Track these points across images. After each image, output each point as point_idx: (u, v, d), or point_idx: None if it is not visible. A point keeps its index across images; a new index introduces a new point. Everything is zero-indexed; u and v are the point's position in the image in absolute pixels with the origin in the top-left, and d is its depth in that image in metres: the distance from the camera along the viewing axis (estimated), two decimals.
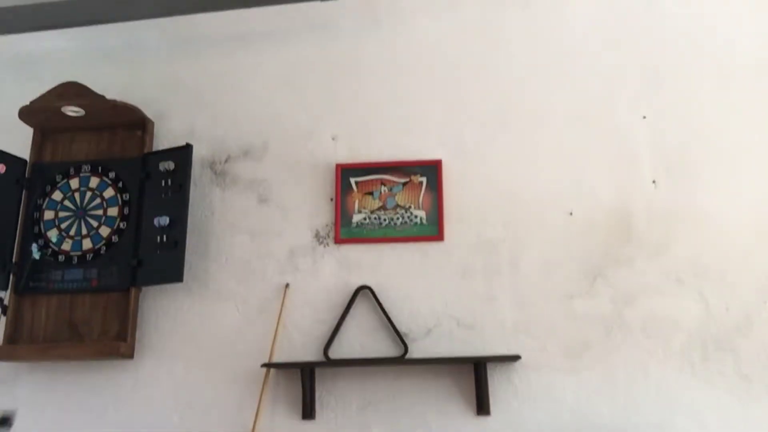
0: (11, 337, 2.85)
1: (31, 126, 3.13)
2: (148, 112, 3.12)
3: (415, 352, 2.70)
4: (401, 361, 2.68)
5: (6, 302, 2.88)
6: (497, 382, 2.65)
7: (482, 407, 2.60)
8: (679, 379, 2.60)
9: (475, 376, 2.63)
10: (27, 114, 3.06)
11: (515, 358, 2.63)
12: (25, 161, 3.10)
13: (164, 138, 3.14)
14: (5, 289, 2.91)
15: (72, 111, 3.02)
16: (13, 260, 2.95)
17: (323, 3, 2.94)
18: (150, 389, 2.80)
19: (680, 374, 2.61)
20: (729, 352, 2.62)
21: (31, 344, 2.83)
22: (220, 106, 3.17)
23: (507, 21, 3.12)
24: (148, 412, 2.77)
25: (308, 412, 2.66)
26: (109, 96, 3.04)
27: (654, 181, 2.84)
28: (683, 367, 2.61)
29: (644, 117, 2.92)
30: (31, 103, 3.03)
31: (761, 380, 2.58)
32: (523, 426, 2.60)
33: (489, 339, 2.71)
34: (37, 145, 3.13)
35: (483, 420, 2.61)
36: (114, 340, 2.80)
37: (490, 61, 3.07)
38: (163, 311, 2.90)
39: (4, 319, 2.86)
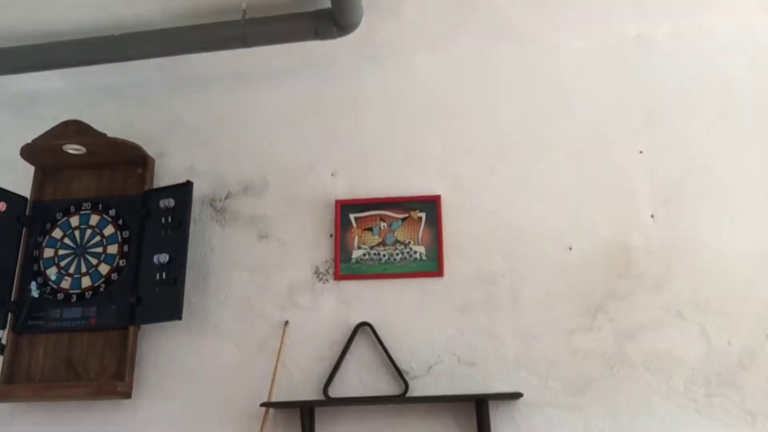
0: (8, 377, 2.82)
1: (32, 164, 3.15)
2: (149, 150, 3.14)
3: (415, 390, 2.68)
4: (402, 400, 2.65)
5: (4, 341, 2.86)
6: (499, 420, 2.62)
7: None
8: (683, 414, 2.57)
9: (477, 414, 2.59)
10: (28, 152, 3.08)
11: (517, 395, 2.60)
12: (26, 199, 3.11)
13: (165, 175, 3.16)
14: (3, 327, 2.89)
15: (73, 149, 3.04)
16: (12, 298, 2.94)
17: (322, 41, 2.97)
18: (148, 429, 2.77)
19: (684, 410, 2.58)
20: (732, 387, 2.59)
21: (28, 384, 2.81)
22: (220, 143, 3.20)
23: (504, 58, 3.15)
24: None
25: None
26: (110, 134, 3.07)
27: (652, 215, 2.84)
28: (687, 402, 2.59)
29: (641, 151, 2.93)
30: (33, 141, 3.05)
31: (766, 415, 2.54)
32: None
33: (490, 376, 2.68)
34: (38, 183, 3.15)
35: None
36: (112, 378, 2.77)
37: (488, 97, 3.10)
38: (162, 349, 2.88)
39: (1, 358, 2.84)
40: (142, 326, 2.89)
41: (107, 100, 3.36)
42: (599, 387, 2.63)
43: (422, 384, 2.70)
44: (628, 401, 2.60)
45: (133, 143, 3.08)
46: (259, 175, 3.11)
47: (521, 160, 2.98)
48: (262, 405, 2.67)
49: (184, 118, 3.27)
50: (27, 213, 3.09)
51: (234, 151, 3.17)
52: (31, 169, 3.15)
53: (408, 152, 3.05)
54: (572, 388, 2.64)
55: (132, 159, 3.11)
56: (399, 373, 2.70)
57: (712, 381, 2.60)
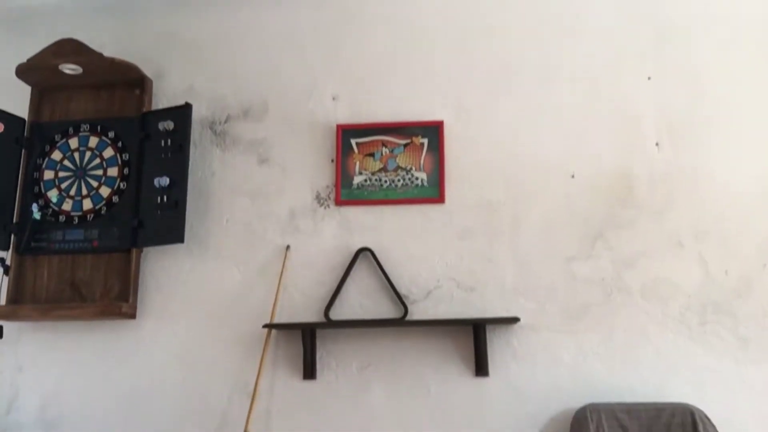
0: (14, 298, 2.87)
1: (28, 84, 3.09)
2: (147, 70, 3.08)
3: (415, 314, 2.73)
4: (401, 323, 2.70)
5: (8, 262, 2.89)
6: (496, 344, 2.68)
7: (481, 368, 2.63)
8: (677, 341, 2.63)
9: (474, 338, 2.65)
10: (24, 72, 3.02)
11: (514, 320, 2.65)
12: (24, 120, 3.07)
13: (163, 96, 3.11)
14: (6, 249, 2.92)
15: (69, 69, 2.98)
16: (14, 220, 2.95)
17: None
18: (153, 349, 2.84)
19: (678, 336, 2.63)
20: (727, 315, 2.63)
21: (33, 304, 2.85)
22: (220, 64, 3.13)
23: None
24: (152, 372, 2.81)
25: (309, 372, 2.70)
26: (106, 53, 2.99)
27: (657, 143, 2.81)
28: (681, 329, 2.63)
29: (649, 78, 2.87)
30: (28, 60, 2.98)
31: (759, 342, 2.60)
32: (521, 387, 2.63)
33: (489, 301, 2.72)
34: (35, 103, 3.11)
35: (481, 381, 2.65)
36: (116, 300, 2.82)
37: (495, 21, 3.01)
38: (165, 272, 2.91)
39: (6, 279, 2.87)
40: (145, 249, 2.91)
41: (103, 18, 3.26)
42: (596, 313, 2.68)
43: (421, 308, 2.74)
44: (623, 327, 2.65)
45: (131, 63, 3.01)
46: (259, 97, 3.06)
47: (527, 86, 2.92)
48: (264, 326, 2.72)
49: (182, 37, 3.19)
50: (25, 134, 3.05)
51: (233, 73, 3.10)
52: (27, 89, 3.10)
53: (411, 76, 2.99)
54: (569, 314, 2.69)
55: (129, 80, 3.06)
56: (399, 298, 2.73)
57: (708, 308, 2.64)
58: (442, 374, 2.68)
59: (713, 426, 2.43)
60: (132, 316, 2.83)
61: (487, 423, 2.61)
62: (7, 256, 2.91)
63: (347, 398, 2.70)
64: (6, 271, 2.87)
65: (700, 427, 2.40)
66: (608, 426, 2.45)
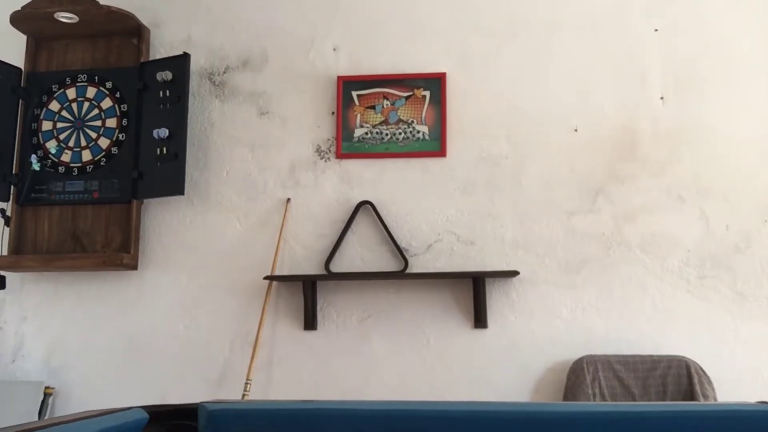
0: (16, 248, 2.88)
1: (23, 33, 3.03)
2: (144, 19, 3.02)
3: (415, 267, 2.74)
4: (401, 276, 2.71)
5: (8, 213, 2.88)
6: (495, 297, 2.70)
7: (480, 320, 2.66)
8: (675, 295, 2.65)
9: (473, 291, 2.67)
10: (18, 20, 2.96)
11: (513, 273, 2.66)
12: (20, 69, 3.02)
13: (161, 47, 3.06)
14: (6, 200, 2.91)
15: (65, 17, 2.92)
16: (13, 171, 2.94)
17: None
18: (155, 300, 2.86)
19: (676, 290, 2.65)
20: (726, 270, 2.65)
21: (35, 255, 2.86)
22: (218, 13, 3.06)
23: None
24: (154, 322, 2.84)
25: (310, 322, 2.73)
26: (102, 1, 2.93)
27: (662, 97, 2.78)
28: (679, 283, 2.65)
29: (656, 30, 2.82)
30: (22, 8, 2.92)
31: (755, 298, 2.62)
32: (518, 338, 2.67)
33: (488, 254, 2.73)
34: (31, 53, 3.05)
35: (480, 332, 2.68)
36: (117, 251, 2.83)
37: None
38: (166, 223, 2.92)
39: (7, 230, 2.88)
40: (145, 201, 2.91)
41: None
42: (594, 267, 2.69)
43: (421, 261, 2.75)
44: (621, 281, 2.67)
45: (127, 12, 2.95)
46: (258, 48, 3.00)
47: (531, 37, 2.87)
48: (265, 278, 2.74)
49: None
50: (22, 84, 3.01)
51: (232, 22, 3.04)
52: (22, 38, 3.04)
53: (413, 26, 2.93)
54: (568, 268, 2.70)
55: (126, 29, 3.00)
56: (399, 251, 2.74)
57: (707, 263, 2.65)
58: (441, 326, 2.71)
59: (708, 378, 2.47)
60: (133, 267, 2.84)
61: (485, 373, 2.66)
62: (8, 207, 2.91)
63: (347, 348, 2.73)
64: (7, 222, 2.87)
65: (695, 380, 2.44)
66: (604, 377, 2.49)
